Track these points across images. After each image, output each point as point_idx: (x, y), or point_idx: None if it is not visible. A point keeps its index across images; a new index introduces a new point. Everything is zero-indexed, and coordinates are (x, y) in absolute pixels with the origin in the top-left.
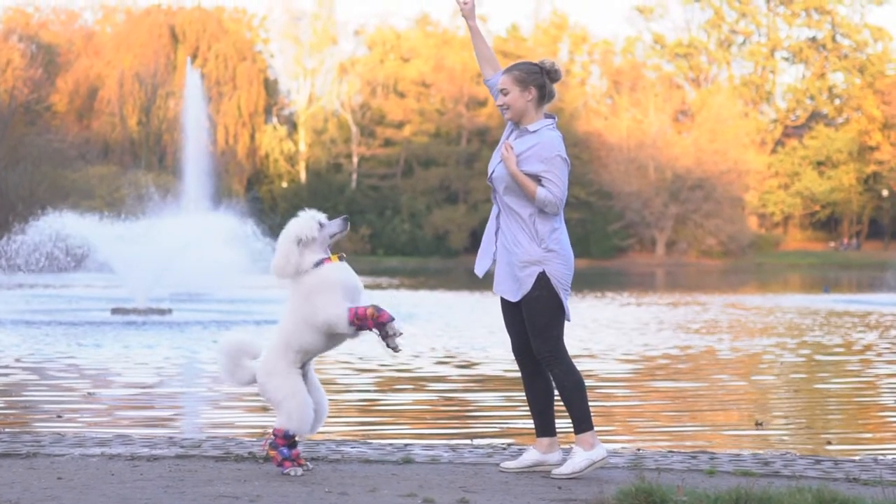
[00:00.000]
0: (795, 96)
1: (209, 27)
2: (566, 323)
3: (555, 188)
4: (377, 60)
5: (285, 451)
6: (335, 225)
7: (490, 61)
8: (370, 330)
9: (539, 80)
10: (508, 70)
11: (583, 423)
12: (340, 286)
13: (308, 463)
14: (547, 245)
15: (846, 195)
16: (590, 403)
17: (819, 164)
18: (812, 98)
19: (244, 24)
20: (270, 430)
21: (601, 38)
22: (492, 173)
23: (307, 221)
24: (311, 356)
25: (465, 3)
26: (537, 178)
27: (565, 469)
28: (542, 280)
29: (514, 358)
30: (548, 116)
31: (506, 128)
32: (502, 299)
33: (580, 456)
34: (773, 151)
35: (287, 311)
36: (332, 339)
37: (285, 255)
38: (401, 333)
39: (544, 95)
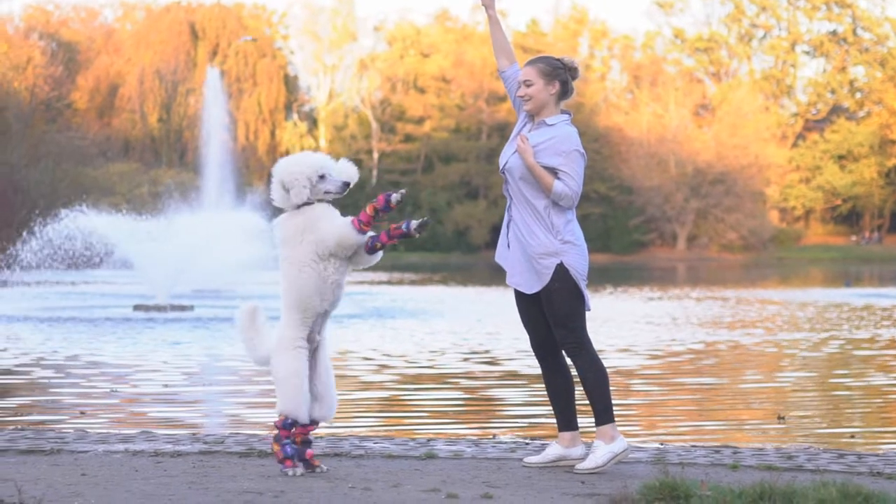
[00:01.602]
0: (816, 90)
1: (229, 24)
2: (587, 313)
3: (572, 182)
4: (397, 56)
5: (289, 448)
6: (334, 185)
7: (507, 52)
8: (384, 242)
9: (563, 75)
10: (533, 62)
11: (604, 414)
12: (332, 210)
13: (323, 465)
14: (563, 236)
15: (867, 189)
16: (615, 399)
17: (840, 157)
18: (833, 92)
19: (264, 20)
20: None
21: (621, 33)
22: (505, 164)
23: (311, 166)
24: (315, 313)
25: None
26: (553, 172)
27: (588, 464)
28: (561, 271)
29: (533, 353)
30: (563, 112)
31: (519, 119)
32: (517, 293)
33: (602, 450)
34: (794, 145)
35: (282, 268)
36: (332, 287)
37: (301, 186)
38: (399, 200)
39: (566, 91)
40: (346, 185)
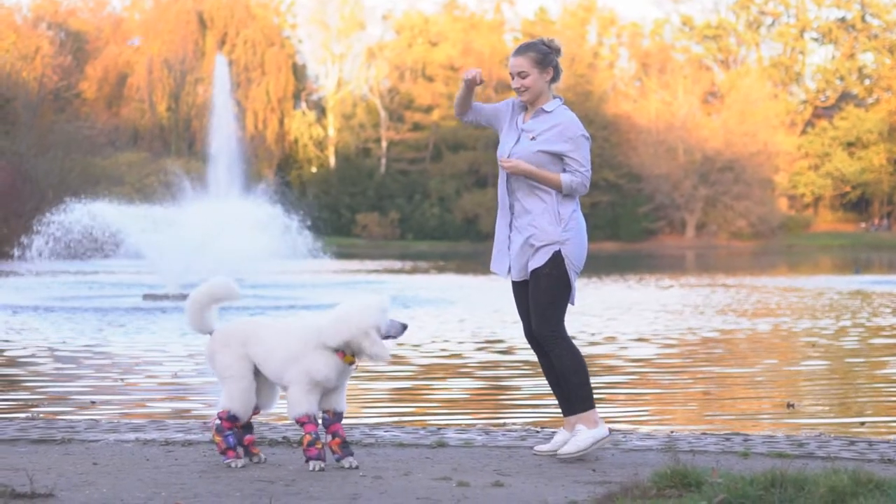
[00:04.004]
0: (825, 77)
1: (237, 13)
2: (570, 307)
3: (581, 168)
4: (405, 45)
5: (231, 438)
6: (395, 329)
7: (469, 107)
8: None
9: (553, 59)
10: (522, 51)
11: (586, 402)
12: (314, 385)
13: (262, 454)
14: (567, 225)
15: (876, 176)
16: (631, 388)
17: (849, 144)
18: (841, 79)
19: (272, 9)
20: (216, 413)
21: (629, 21)
22: (509, 153)
23: (375, 320)
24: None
25: (478, 82)
26: (559, 157)
27: (570, 448)
28: (557, 258)
29: (527, 342)
30: (556, 97)
31: (510, 109)
32: (514, 281)
33: (585, 434)
34: (803, 132)
35: (286, 340)
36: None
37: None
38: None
39: (558, 75)
40: (405, 326)
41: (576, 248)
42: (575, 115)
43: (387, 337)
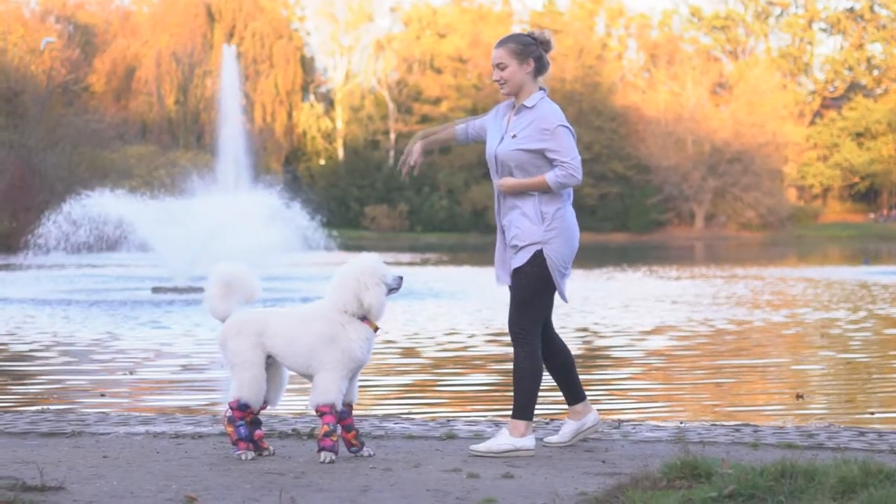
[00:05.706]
0: (833, 67)
1: (245, 6)
2: (567, 304)
3: (566, 159)
4: (413, 37)
5: (242, 430)
6: (395, 282)
7: (451, 134)
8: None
9: (536, 51)
10: (503, 43)
11: (524, 410)
12: (350, 368)
13: (271, 447)
14: (550, 224)
15: (885, 166)
16: (640, 381)
17: (858, 135)
18: (850, 69)
19: (280, 1)
20: (227, 404)
21: (637, 12)
22: (495, 154)
23: (377, 283)
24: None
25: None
26: (541, 153)
27: (483, 446)
28: (538, 258)
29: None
30: (540, 89)
31: (497, 108)
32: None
33: (505, 438)
34: (812, 123)
35: (306, 307)
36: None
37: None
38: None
39: (542, 67)
40: (401, 277)
41: (559, 248)
42: (556, 107)
43: (390, 290)
